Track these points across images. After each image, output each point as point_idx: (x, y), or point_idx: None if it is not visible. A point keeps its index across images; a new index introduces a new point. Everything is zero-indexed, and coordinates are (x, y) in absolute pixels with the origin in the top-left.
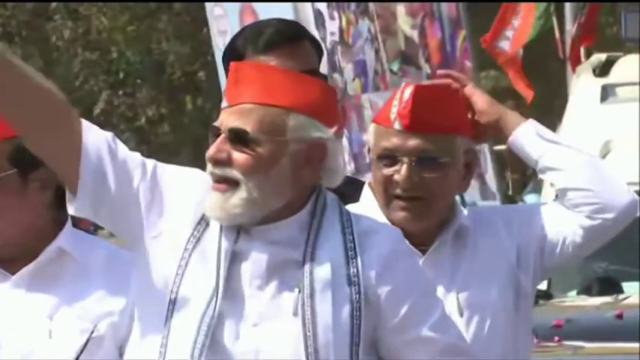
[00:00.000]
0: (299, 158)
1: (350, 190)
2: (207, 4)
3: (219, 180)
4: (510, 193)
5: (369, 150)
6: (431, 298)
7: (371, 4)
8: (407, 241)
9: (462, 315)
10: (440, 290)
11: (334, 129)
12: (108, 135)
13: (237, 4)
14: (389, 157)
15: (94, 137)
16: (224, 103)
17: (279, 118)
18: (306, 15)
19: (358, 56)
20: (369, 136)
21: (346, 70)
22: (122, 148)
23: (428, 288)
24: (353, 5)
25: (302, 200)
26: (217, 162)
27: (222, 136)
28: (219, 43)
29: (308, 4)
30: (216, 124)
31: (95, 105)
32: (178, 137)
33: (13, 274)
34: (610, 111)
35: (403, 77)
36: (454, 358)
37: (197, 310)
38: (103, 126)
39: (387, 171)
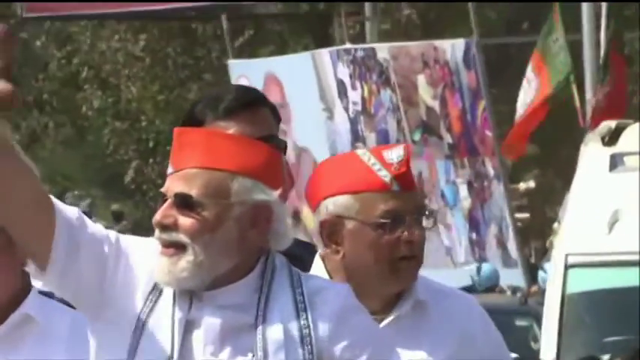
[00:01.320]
0: (244, 221)
1: (304, 253)
2: (233, 75)
3: (167, 245)
4: (533, 260)
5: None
6: (387, 352)
7: (392, 75)
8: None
9: None
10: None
11: (279, 191)
12: (75, 211)
13: (262, 75)
14: (394, 220)
15: (65, 215)
16: (169, 169)
17: (224, 181)
18: (329, 84)
19: (380, 125)
20: (339, 209)
21: (369, 139)
22: (89, 224)
23: (383, 340)
24: (375, 75)
25: (250, 263)
26: (164, 227)
27: (169, 201)
28: None
29: (331, 74)
30: (162, 189)
31: (126, 173)
32: None
33: None
34: (619, 180)
35: (425, 147)
36: None
37: None
38: (133, 194)
39: (393, 234)
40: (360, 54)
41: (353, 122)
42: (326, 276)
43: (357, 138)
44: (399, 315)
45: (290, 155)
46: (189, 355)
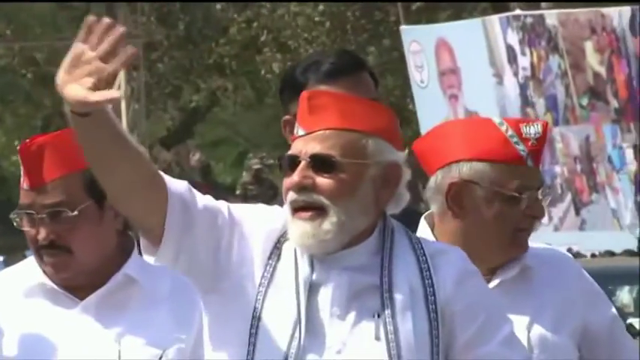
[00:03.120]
0: (379, 181)
1: (400, 216)
2: (405, 40)
3: (304, 207)
4: None
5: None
6: (500, 316)
7: (560, 41)
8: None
9: (531, 352)
10: None
11: (405, 152)
12: (185, 184)
13: (433, 40)
14: (524, 194)
15: (176, 188)
16: (299, 132)
17: (359, 142)
18: (499, 50)
19: (549, 91)
20: (473, 174)
21: (538, 105)
22: (199, 197)
23: (498, 306)
24: (543, 42)
25: (374, 225)
26: (303, 188)
27: (303, 163)
28: (416, 78)
29: (501, 40)
30: (292, 153)
31: None
32: None
33: (80, 300)
34: None
35: (592, 111)
36: None
37: (280, 344)
38: None
39: (520, 207)
40: (529, 20)
41: (522, 87)
42: (431, 237)
43: (526, 103)
44: (505, 279)
45: (460, 119)
46: (316, 317)
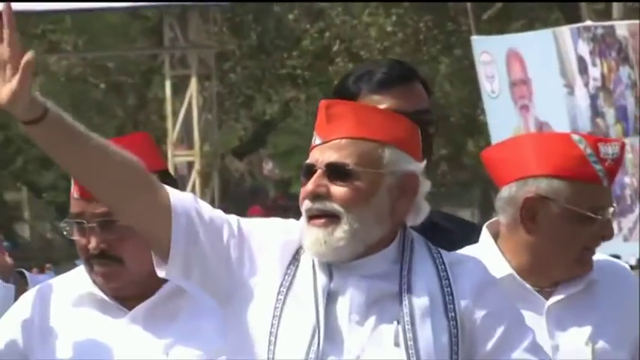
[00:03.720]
0: (394, 190)
1: (457, 227)
2: (475, 50)
3: (318, 215)
4: None
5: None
6: (522, 324)
7: (630, 52)
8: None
9: None
10: (568, 338)
11: (424, 163)
12: (190, 196)
13: (504, 51)
14: (598, 214)
15: (181, 200)
16: (316, 141)
17: (375, 151)
18: (570, 61)
19: (619, 102)
20: (550, 191)
21: (608, 115)
22: (206, 207)
23: (519, 315)
24: (614, 52)
25: (393, 234)
26: (317, 196)
27: (319, 171)
28: (487, 88)
29: (571, 51)
30: (309, 162)
31: None
32: (465, 176)
33: (129, 310)
34: None
35: None
36: None
37: (299, 351)
38: None
39: (593, 227)
40: (599, 31)
41: (593, 98)
42: (494, 248)
43: (596, 113)
44: (571, 294)
45: (531, 129)
46: (334, 324)
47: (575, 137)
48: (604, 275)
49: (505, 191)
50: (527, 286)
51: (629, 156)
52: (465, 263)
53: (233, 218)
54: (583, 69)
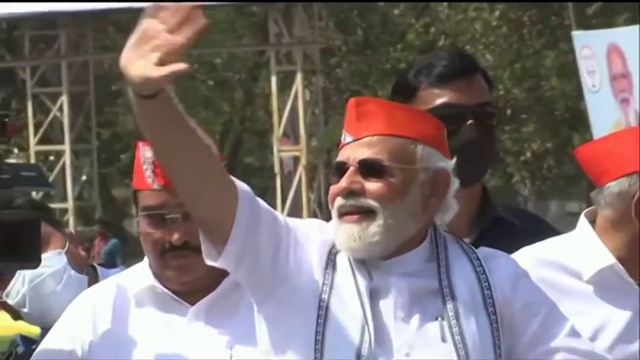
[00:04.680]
0: (427, 187)
1: (517, 219)
2: (577, 45)
3: (352, 211)
4: None
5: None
6: (559, 312)
7: None
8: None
9: None
10: None
11: (454, 160)
12: (249, 189)
13: (605, 45)
14: None
15: (245, 190)
16: (346, 139)
17: (408, 147)
18: None
19: None
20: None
21: None
22: (261, 201)
23: (554, 303)
24: None
25: (424, 232)
26: (350, 193)
27: (352, 169)
28: (588, 83)
29: None
30: (340, 159)
31: None
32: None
33: (190, 305)
34: None
35: None
36: None
37: (349, 350)
38: None
39: None
40: None
41: None
42: (594, 237)
43: None
44: None
45: (632, 123)
46: (381, 321)
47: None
48: None
49: (615, 185)
50: (629, 278)
51: None
52: (497, 257)
53: (281, 216)
54: None
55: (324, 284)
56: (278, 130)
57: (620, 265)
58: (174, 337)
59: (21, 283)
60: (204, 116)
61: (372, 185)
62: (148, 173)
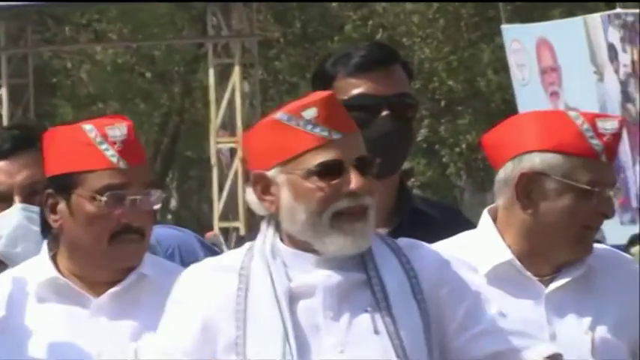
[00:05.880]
0: None
1: (444, 215)
2: (506, 38)
3: (357, 211)
4: None
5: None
6: (483, 299)
7: None
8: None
9: (593, 357)
10: (566, 327)
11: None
12: None
13: (534, 39)
14: (596, 189)
15: None
16: (334, 135)
17: None
18: (600, 48)
19: None
20: (545, 166)
21: (638, 101)
22: None
23: (479, 290)
24: None
25: None
26: (354, 192)
27: (353, 167)
28: (518, 76)
29: (602, 38)
30: (334, 158)
31: (418, 132)
32: None
33: (94, 297)
34: None
35: None
36: (521, 339)
37: (277, 357)
38: (426, 152)
39: (592, 203)
40: (630, 18)
41: (623, 84)
42: (494, 233)
43: (627, 99)
44: (570, 280)
45: None
46: (309, 323)
47: (572, 113)
48: (604, 263)
49: (501, 172)
50: (527, 273)
51: None
52: (419, 247)
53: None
54: (613, 56)
55: (237, 303)
56: (215, 122)
57: (516, 260)
58: (76, 330)
59: None
60: (143, 109)
61: (367, 182)
62: (111, 152)
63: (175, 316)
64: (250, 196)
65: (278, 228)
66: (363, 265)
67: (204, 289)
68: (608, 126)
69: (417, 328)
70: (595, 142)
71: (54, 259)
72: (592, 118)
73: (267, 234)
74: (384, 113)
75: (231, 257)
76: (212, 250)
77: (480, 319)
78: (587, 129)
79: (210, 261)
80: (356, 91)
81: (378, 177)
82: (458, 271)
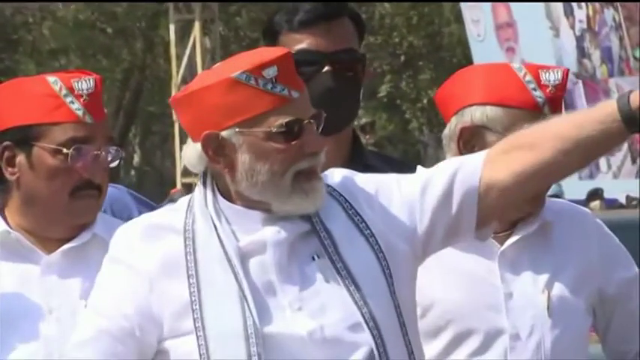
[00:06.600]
0: None
1: (381, 164)
2: None
3: (315, 170)
4: None
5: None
6: (409, 175)
7: None
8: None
9: (550, 316)
10: (522, 285)
11: None
12: None
13: None
14: None
15: None
16: (293, 94)
17: None
18: (555, 3)
19: (604, 43)
20: (486, 120)
21: (594, 56)
22: None
23: (400, 174)
24: None
25: None
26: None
27: (311, 124)
28: (473, 32)
29: None
30: (296, 117)
31: (380, 87)
32: None
33: (46, 253)
34: None
35: None
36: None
37: (233, 326)
38: (387, 108)
39: None
40: None
41: (579, 39)
42: None
43: (582, 54)
44: (525, 235)
45: None
46: (261, 284)
47: (516, 65)
48: (561, 218)
49: (447, 127)
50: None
51: (615, 96)
52: (345, 178)
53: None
54: (569, 11)
55: (187, 258)
56: (177, 78)
57: None
58: (26, 286)
59: None
60: (105, 64)
61: (323, 141)
62: (76, 105)
63: (115, 275)
64: (190, 154)
65: (217, 186)
66: (307, 215)
67: (147, 250)
68: (552, 77)
69: (371, 266)
70: (537, 93)
71: (2, 212)
72: (535, 70)
73: (206, 193)
74: (326, 69)
75: (171, 217)
76: (147, 205)
77: (424, 189)
78: (530, 81)
79: (149, 219)
80: (298, 47)
81: (325, 133)
82: (369, 178)
